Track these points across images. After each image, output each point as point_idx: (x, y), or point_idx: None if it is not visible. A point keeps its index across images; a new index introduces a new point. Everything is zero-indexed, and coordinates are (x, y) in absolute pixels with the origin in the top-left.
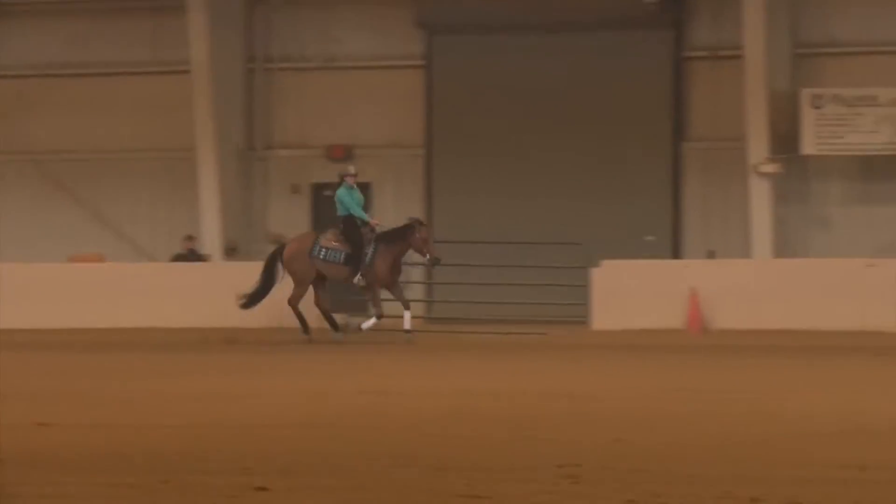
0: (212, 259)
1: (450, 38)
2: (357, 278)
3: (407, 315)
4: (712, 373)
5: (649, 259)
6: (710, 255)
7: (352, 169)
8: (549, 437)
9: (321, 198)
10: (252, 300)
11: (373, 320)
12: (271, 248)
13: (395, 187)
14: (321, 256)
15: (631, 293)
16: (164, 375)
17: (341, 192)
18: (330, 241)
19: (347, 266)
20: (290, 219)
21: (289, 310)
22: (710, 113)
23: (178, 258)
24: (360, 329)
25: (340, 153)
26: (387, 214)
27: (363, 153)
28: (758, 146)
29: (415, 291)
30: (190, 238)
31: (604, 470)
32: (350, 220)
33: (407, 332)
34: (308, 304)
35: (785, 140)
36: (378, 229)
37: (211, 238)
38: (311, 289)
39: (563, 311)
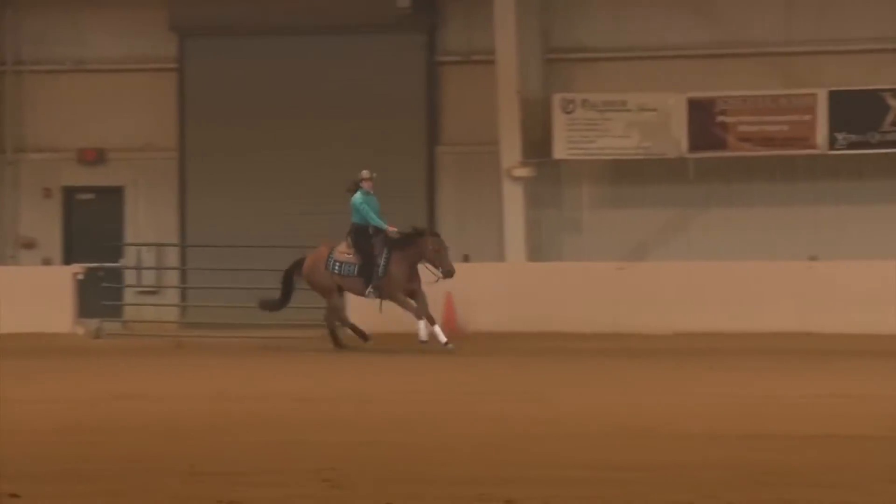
0: None
1: (202, 41)
2: (368, 291)
3: (421, 325)
4: (466, 375)
5: None
6: (465, 258)
7: (366, 173)
8: (306, 440)
9: (73, 202)
10: (270, 307)
11: (422, 325)
12: (22, 254)
13: (148, 191)
14: (336, 270)
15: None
16: None
17: (357, 199)
18: (342, 253)
19: (361, 278)
20: (41, 223)
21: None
22: (464, 117)
23: None
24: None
25: (92, 157)
26: (139, 219)
27: (116, 157)
28: (511, 150)
29: (169, 296)
30: None
31: (361, 472)
32: (360, 229)
33: (422, 342)
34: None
35: (537, 144)
36: (394, 236)
37: None
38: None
39: (318, 314)
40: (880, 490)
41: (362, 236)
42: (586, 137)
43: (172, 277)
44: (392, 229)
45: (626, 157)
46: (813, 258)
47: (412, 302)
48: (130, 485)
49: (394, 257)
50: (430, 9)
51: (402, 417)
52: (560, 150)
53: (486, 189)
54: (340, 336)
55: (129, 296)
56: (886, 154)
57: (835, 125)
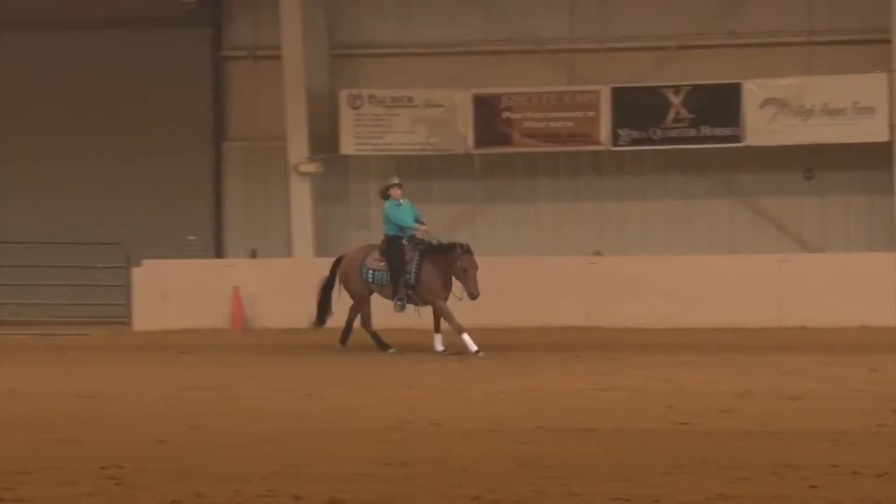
0: None
1: None
2: (396, 304)
3: (439, 337)
4: (251, 372)
5: (191, 258)
6: (252, 254)
7: (395, 179)
8: (90, 438)
9: None
10: (320, 319)
11: (439, 337)
12: None
13: None
14: (370, 279)
15: (173, 293)
16: None
17: (389, 208)
18: (375, 261)
19: (392, 287)
20: None
21: None
22: (251, 112)
23: None
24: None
25: None
26: None
27: None
28: (298, 146)
29: None
30: None
31: (148, 471)
32: (394, 240)
33: (438, 352)
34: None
35: (325, 140)
36: (428, 237)
37: None
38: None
39: (104, 311)
40: (659, 482)
41: (394, 247)
42: (373, 133)
43: None
44: (423, 229)
45: (413, 152)
46: (597, 253)
47: (452, 313)
48: None
49: (425, 265)
50: (216, 4)
51: (190, 415)
52: (347, 146)
53: (273, 184)
54: (381, 336)
55: None
56: (668, 150)
57: (618, 122)
